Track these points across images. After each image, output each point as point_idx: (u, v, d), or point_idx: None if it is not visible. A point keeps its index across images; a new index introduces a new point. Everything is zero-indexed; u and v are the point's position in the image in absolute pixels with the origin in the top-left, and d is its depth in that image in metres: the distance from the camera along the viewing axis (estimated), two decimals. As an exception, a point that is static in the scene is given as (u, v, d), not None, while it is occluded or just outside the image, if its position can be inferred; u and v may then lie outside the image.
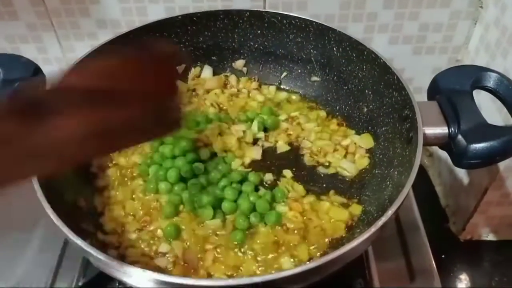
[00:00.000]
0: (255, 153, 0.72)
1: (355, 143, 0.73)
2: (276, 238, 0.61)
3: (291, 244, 0.61)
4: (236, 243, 0.61)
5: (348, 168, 0.70)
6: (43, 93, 0.32)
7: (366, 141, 0.72)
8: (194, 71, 0.83)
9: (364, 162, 0.71)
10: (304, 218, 0.64)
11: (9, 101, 0.32)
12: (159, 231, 0.63)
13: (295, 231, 0.62)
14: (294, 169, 0.71)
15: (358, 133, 0.75)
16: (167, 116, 0.38)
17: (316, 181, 0.70)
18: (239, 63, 0.84)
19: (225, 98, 0.81)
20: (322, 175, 0.70)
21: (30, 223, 0.76)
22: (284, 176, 0.69)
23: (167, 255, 0.60)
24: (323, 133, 0.75)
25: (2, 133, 0.29)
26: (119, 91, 0.33)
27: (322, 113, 0.79)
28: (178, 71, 0.36)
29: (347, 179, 0.70)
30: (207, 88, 0.82)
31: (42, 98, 0.31)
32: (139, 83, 0.34)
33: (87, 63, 0.36)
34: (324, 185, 0.69)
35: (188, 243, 0.61)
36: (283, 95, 0.83)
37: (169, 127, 0.40)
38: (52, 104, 0.30)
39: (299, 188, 0.68)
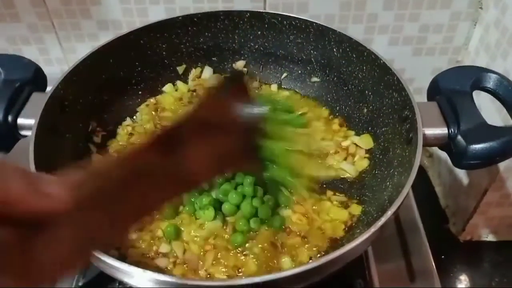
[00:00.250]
0: None
1: (355, 144, 0.73)
2: (277, 240, 0.61)
3: (292, 246, 0.61)
4: (235, 245, 0.61)
5: (349, 170, 0.70)
6: (175, 127, 0.36)
7: (365, 141, 0.72)
8: (194, 71, 0.83)
9: (364, 163, 0.71)
10: (307, 220, 0.64)
11: (152, 137, 0.35)
12: (159, 232, 0.63)
13: (297, 233, 0.62)
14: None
15: (357, 134, 0.75)
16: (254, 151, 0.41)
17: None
18: (239, 64, 0.84)
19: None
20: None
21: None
22: None
23: (167, 256, 0.61)
24: (328, 134, 0.76)
25: (147, 164, 0.32)
26: (223, 122, 0.37)
27: (325, 112, 0.79)
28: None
29: (348, 180, 0.70)
30: (207, 89, 0.82)
31: (174, 131, 0.35)
32: (231, 116, 0.38)
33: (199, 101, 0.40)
34: (324, 185, 0.69)
35: (188, 244, 0.61)
36: (285, 93, 0.83)
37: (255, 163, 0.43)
38: (183, 136, 0.34)
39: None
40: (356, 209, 0.65)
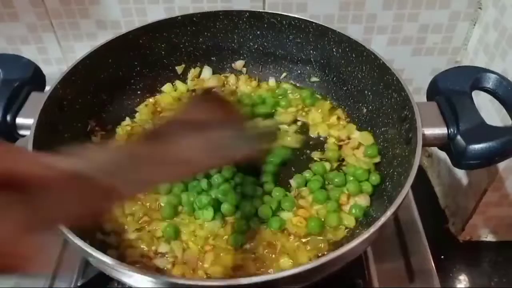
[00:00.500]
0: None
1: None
2: (277, 242, 0.61)
3: (291, 248, 0.61)
4: (234, 245, 0.61)
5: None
6: (162, 125, 0.44)
7: (365, 138, 0.72)
8: (193, 71, 0.83)
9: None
10: (308, 223, 0.63)
11: (143, 133, 0.45)
12: (158, 232, 0.63)
13: (298, 236, 0.62)
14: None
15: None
16: (247, 141, 0.48)
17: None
18: (238, 64, 0.84)
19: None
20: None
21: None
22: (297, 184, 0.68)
23: (166, 256, 0.60)
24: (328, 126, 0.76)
25: (141, 151, 0.39)
26: (209, 120, 0.44)
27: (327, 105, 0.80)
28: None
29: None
30: (206, 89, 0.82)
31: (163, 127, 0.43)
32: (218, 114, 0.46)
33: (186, 105, 0.52)
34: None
35: (187, 244, 0.61)
36: (286, 86, 0.83)
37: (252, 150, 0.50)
38: (169, 131, 0.41)
39: (310, 197, 0.66)
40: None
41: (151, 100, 0.80)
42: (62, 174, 0.32)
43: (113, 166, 0.36)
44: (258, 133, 0.53)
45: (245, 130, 0.48)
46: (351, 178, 0.67)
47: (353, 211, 0.64)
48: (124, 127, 0.76)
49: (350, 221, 0.63)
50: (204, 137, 0.42)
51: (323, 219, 0.63)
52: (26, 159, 0.31)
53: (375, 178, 0.66)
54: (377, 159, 0.69)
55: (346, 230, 0.63)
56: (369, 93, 0.73)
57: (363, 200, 0.65)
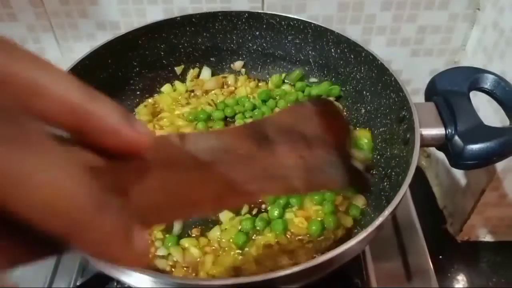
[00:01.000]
0: None
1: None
2: (277, 242, 0.61)
3: (292, 248, 0.61)
4: (237, 245, 0.61)
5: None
6: (267, 126, 0.34)
7: (363, 135, 0.73)
8: (192, 72, 0.83)
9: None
10: (309, 223, 0.63)
11: (245, 128, 0.34)
12: (158, 234, 0.63)
13: (298, 236, 0.62)
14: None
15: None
16: (349, 170, 0.38)
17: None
18: (237, 64, 0.84)
19: (223, 97, 0.81)
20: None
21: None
22: None
23: (166, 258, 0.60)
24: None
25: (246, 151, 0.31)
26: (317, 136, 0.35)
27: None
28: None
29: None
30: (205, 89, 0.82)
31: (267, 130, 0.33)
32: (328, 132, 0.36)
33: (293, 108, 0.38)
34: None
35: (187, 249, 0.61)
36: (285, 87, 0.83)
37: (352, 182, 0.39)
38: (275, 136, 0.33)
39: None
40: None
41: (150, 100, 0.81)
42: (162, 149, 0.26)
43: (223, 155, 0.29)
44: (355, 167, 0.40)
45: (347, 158, 0.38)
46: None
47: (350, 211, 0.64)
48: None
49: (347, 221, 0.63)
50: (308, 155, 0.34)
51: (321, 219, 0.63)
52: (115, 115, 0.24)
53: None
54: (369, 156, 0.69)
55: (344, 230, 0.63)
56: (368, 94, 0.73)
57: (359, 200, 0.66)
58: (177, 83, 0.83)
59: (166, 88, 0.82)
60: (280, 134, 0.33)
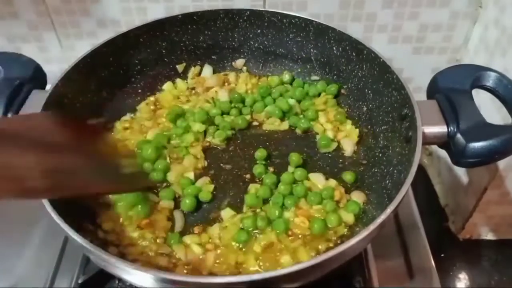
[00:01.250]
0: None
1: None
2: (279, 241, 0.61)
3: (293, 247, 0.61)
4: (238, 243, 0.61)
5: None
6: (9, 129, 0.38)
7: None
8: (194, 70, 0.83)
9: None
10: (310, 222, 0.63)
11: None
12: (161, 232, 0.62)
13: (299, 235, 0.62)
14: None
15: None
16: (113, 173, 0.44)
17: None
18: (239, 62, 0.84)
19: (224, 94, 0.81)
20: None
21: (30, 221, 0.76)
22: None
23: (168, 256, 0.60)
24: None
25: None
26: (63, 143, 0.40)
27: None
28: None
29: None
30: (207, 86, 0.82)
31: (5, 132, 0.37)
32: (76, 141, 0.41)
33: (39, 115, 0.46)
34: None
35: (189, 247, 0.61)
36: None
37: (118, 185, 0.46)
38: (13, 139, 0.36)
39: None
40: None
41: (151, 98, 0.80)
42: None
43: None
44: (122, 172, 0.48)
45: (108, 164, 0.43)
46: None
47: (350, 207, 0.64)
48: (123, 122, 0.76)
49: (348, 218, 0.63)
50: (55, 160, 0.38)
51: (323, 218, 0.63)
52: None
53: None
54: None
55: (346, 228, 0.63)
56: (369, 92, 0.73)
57: (357, 196, 0.66)
58: (178, 81, 0.83)
59: (167, 85, 0.82)
60: (20, 137, 0.37)
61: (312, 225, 0.62)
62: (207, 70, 0.84)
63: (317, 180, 0.68)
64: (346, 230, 0.62)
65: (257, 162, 0.71)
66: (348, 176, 0.68)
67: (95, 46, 0.71)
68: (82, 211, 0.62)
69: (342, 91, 0.79)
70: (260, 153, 0.71)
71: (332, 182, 0.67)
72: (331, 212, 0.63)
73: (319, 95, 0.80)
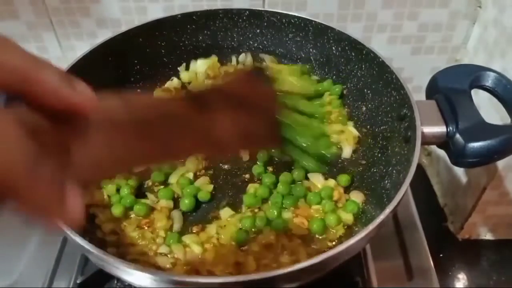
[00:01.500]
0: None
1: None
2: (278, 241, 0.61)
3: (292, 247, 0.61)
4: (237, 243, 0.60)
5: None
6: (206, 92, 0.38)
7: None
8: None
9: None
10: (309, 223, 0.63)
11: (186, 96, 0.37)
12: (161, 232, 0.62)
13: (298, 236, 0.62)
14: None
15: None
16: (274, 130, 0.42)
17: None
18: (241, 57, 0.84)
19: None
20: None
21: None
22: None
23: (168, 255, 0.60)
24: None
25: (181, 111, 0.34)
26: (249, 100, 0.39)
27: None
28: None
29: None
30: (199, 73, 0.82)
31: (205, 95, 0.37)
32: (256, 97, 0.40)
33: (227, 76, 0.46)
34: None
35: (188, 247, 0.61)
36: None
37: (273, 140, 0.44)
38: (212, 101, 0.36)
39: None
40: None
41: (151, 98, 0.80)
42: (105, 110, 0.28)
43: (158, 119, 0.32)
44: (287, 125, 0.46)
45: (278, 121, 0.43)
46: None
47: (349, 207, 0.64)
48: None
49: (347, 217, 0.63)
50: (241, 120, 0.38)
51: (322, 218, 0.63)
52: (54, 76, 0.26)
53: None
54: None
55: (345, 228, 0.63)
56: (369, 92, 0.73)
57: (356, 196, 0.66)
58: (177, 81, 0.82)
59: (167, 85, 0.82)
60: (219, 101, 0.36)
61: (311, 225, 0.62)
62: (199, 62, 0.83)
63: (316, 180, 0.68)
64: (345, 230, 0.62)
65: (257, 162, 0.71)
66: (343, 179, 0.68)
67: (93, 46, 0.71)
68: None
69: (344, 91, 0.79)
70: (263, 154, 0.71)
71: (331, 182, 0.67)
72: (330, 212, 0.63)
73: (321, 96, 0.79)
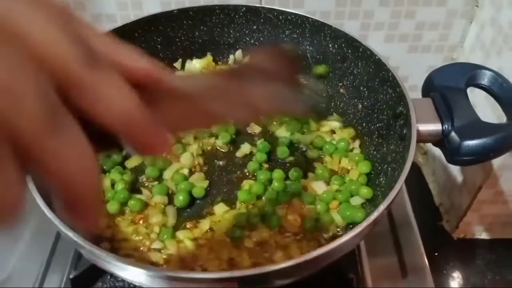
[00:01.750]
0: None
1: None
2: (271, 238, 0.61)
3: (286, 244, 0.61)
4: (231, 239, 0.60)
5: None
6: (243, 69, 0.46)
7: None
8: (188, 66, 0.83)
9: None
10: (303, 220, 0.63)
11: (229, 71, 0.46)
12: (155, 228, 0.62)
13: (292, 233, 0.62)
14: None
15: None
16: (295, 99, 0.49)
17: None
18: (237, 54, 0.84)
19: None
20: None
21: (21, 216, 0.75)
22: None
23: (161, 251, 0.60)
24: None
25: (228, 87, 0.39)
26: (275, 72, 0.46)
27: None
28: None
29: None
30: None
31: (243, 71, 0.44)
32: (282, 70, 0.46)
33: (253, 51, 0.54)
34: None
35: (182, 242, 0.61)
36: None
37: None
38: (249, 76, 0.42)
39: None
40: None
41: (146, 94, 0.80)
42: (176, 87, 0.34)
43: (208, 91, 0.38)
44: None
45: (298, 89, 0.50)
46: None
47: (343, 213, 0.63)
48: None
49: (340, 219, 0.63)
50: (269, 87, 0.44)
51: (316, 217, 0.63)
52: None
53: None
54: None
55: (339, 225, 0.63)
56: (365, 89, 0.73)
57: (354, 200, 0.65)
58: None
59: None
60: (252, 74, 0.43)
61: (306, 224, 0.62)
62: (194, 61, 0.83)
63: (318, 188, 0.67)
64: (339, 227, 0.62)
65: (252, 158, 0.70)
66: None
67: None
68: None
69: (341, 90, 0.78)
70: (260, 153, 0.71)
71: (334, 188, 0.67)
72: (323, 212, 0.63)
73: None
